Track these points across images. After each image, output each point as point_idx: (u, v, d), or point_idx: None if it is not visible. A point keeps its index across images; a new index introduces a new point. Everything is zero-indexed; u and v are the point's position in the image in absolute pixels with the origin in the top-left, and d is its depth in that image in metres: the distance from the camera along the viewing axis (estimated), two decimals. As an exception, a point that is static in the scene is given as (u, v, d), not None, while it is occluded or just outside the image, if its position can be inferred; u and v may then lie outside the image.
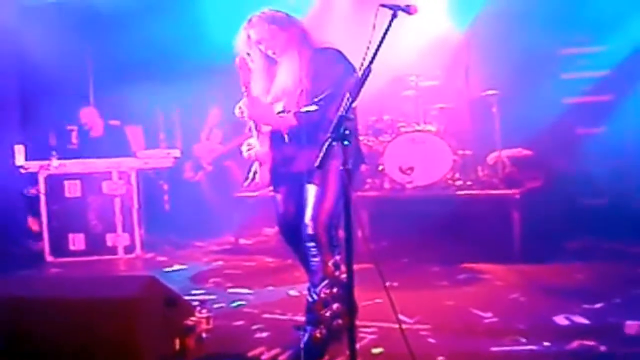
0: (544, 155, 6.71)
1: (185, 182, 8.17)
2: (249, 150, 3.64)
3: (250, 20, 3.56)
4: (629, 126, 6.78)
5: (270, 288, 5.06)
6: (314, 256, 3.44)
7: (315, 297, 3.44)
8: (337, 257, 3.44)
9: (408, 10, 2.80)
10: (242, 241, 7.08)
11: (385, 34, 2.73)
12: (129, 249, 6.61)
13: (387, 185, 6.33)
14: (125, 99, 7.75)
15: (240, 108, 3.56)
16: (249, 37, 3.56)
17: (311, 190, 3.46)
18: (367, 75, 2.74)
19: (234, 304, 4.60)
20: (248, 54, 3.58)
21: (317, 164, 2.67)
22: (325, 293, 3.41)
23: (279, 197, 3.73)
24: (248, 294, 4.92)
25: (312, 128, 3.42)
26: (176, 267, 6.07)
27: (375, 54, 2.73)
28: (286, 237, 3.81)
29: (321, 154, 2.67)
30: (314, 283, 3.47)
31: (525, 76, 6.76)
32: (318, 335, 3.40)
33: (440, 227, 5.88)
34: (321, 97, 3.38)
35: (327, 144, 2.65)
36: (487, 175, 6.50)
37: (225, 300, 4.72)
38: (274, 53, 3.56)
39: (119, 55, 7.72)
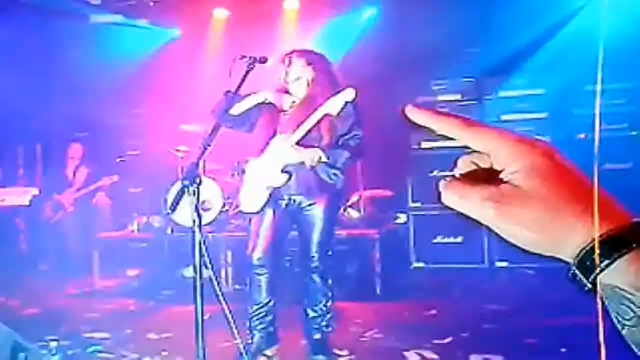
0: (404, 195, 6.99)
1: (44, 222, 7.84)
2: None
3: (286, 56, 3.84)
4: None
5: (129, 331, 4.94)
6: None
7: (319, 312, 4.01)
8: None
9: None
10: (101, 283, 6.85)
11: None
12: (-23, 293, 6.22)
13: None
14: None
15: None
16: (286, 73, 3.82)
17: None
18: None
19: (90, 349, 4.45)
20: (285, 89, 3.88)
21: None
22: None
23: (265, 222, 3.89)
24: (105, 338, 4.77)
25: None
26: (30, 310, 5.79)
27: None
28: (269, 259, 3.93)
29: None
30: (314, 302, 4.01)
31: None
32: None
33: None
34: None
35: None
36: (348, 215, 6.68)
37: (80, 345, 4.55)
38: (301, 88, 3.83)
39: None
